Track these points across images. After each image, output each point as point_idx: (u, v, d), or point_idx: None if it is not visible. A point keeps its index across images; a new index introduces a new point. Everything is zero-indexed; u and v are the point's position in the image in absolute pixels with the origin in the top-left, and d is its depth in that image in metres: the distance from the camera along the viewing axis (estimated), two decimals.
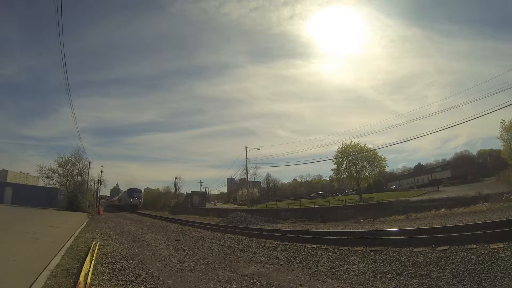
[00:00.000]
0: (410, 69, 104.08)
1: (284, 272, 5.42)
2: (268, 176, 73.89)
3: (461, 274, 4.03)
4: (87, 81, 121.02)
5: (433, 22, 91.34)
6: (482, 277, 3.82)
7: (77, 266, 5.19)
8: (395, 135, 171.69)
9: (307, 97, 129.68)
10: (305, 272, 5.37)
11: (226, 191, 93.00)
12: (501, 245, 4.58)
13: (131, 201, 44.38)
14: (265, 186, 75.67)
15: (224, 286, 4.60)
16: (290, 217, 23.68)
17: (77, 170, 37.15)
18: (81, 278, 4.03)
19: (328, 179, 75.35)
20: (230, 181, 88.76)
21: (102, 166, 55.63)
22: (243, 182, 64.42)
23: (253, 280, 4.86)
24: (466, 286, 3.70)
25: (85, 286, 3.87)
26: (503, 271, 3.84)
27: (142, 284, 4.58)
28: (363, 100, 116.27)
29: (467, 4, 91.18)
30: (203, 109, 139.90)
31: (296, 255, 6.76)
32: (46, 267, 4.90)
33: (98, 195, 49.79)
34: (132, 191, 47.02)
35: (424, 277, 4.21)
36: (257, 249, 8.06)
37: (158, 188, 72.45)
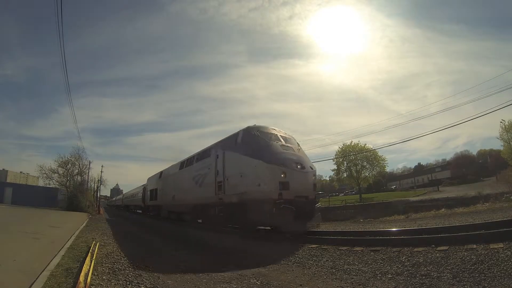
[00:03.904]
0: (410, 69, 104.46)
1: (284, 272, 5.42)
2: None
3: (461, 274, 4.03)
4: (87, 81, 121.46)
5: (433, 22, 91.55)
6: (482, 277, 3.82)
7: (77, 266, 5.18)
8: (395, 135, 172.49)
9: (306, 97, 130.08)
10: (305, 272, 5.37)
11: None
12: (501, 245, 4.57)
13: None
14: None
15: (224, 286, 4.60)
16: None
17: (77, 170, 37.20)
18: (81, 278, 4.03)
19: (328, 179, 75.41)
20: None
21: (102, 166, 55.58)
22: None
23: (253, 280, 4.86)
24: (466, 286, 3.71)
25: (85, 286, 3.87)
26: (503, 271, 3.84)
27: (142, 284, 4.57)
28: (363, 100, 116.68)
29: (467, 4, 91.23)
30: (203, 109, 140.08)
31: (296, 255, 6.75)
32: (46, 267, 4.90)
33: (98, 195, 49.63)
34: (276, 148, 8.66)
35: (424, 277, 4.21)
36: (257, 249, 8.05)
37: None
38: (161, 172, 19.91)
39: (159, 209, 19.32)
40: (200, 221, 13.37)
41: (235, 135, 10.30)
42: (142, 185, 26.97)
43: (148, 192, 22.63)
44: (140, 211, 28.64)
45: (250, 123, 10.41)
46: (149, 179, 23.85)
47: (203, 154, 12.74)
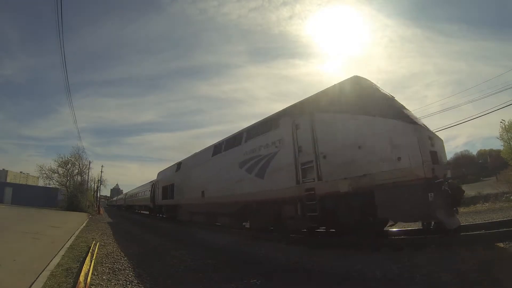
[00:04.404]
0: (410, 69, 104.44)
1: (284, 272, 5.42)
2: None
3: (461, 274, 4.03)
4: (87, 81, 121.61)
5: (433, 22, 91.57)
6: (482, 277, 3.82)
7: (77, 266, 5.19)
8: None
9: (307, 97, 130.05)
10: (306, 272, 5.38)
11: None
12: (501, 245, 4.57)
13: None
14: None
15: (224, 286, 4.60)
16: None
17: (77, 170, 37.27)
18: (81, 278, 4.03)
19: None
20: None
21: (102, 166, 55.74)
22: None
23: (253, 280, 4.86)
24: (466, 286, 3.71)
25: (85, 286, 3.87)
26: (503, 271, 3.84)
27: (142, 284, 4.58)
28: None
29: (467, 4, 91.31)
30: (203, 109, 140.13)
31: (296, 256, 6.74)
32: (46, 267, 4.90)
33: (98, 195, 49.60)
34: None
35: (424, 277, 4.21)
36: (258, 249, 8.05)
37: None
38: (179, 163, 15.92)
39: (176, 209, 15.62)
40: (247, 225, 9.77)
41: (335, 88, 6.77)
42: (150, 182, 23.14)
43: (160, 189, 18.67)
44: (147, 212, 25.05)
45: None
46: (160, 174, 19.95)
47: (262, 127, 8.73)
